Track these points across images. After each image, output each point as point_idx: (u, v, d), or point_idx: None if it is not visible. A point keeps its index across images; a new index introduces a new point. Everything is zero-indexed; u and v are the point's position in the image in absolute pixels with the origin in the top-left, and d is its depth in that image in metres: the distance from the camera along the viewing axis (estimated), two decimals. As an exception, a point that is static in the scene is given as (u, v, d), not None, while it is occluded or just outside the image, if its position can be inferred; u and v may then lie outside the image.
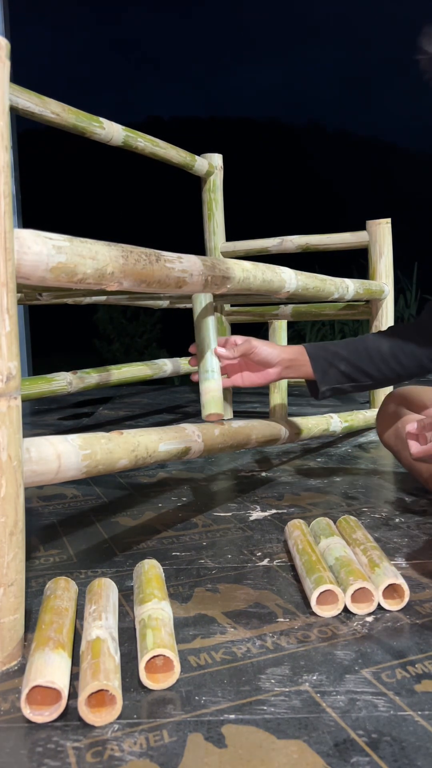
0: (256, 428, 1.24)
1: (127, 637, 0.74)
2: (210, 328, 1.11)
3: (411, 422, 0.97)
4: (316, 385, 1.15)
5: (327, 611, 0.79)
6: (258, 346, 1.10)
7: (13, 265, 0.67)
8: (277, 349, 1.12)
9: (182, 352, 2.65)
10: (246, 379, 1.15)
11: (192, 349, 1.13)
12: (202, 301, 1.13)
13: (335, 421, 1.63)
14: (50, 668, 0.61)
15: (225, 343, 1.11)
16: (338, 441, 1.84)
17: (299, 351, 1.14)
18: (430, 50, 1.02)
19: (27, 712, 0.60)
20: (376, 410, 1.92)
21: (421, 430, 0.90)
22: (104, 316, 6.85)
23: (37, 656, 0.63)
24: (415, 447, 0.91)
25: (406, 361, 1.16)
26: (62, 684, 0.60)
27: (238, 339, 1.11)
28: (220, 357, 1.10)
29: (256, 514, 1.19)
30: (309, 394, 1.22)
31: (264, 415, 2.15)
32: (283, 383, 1.76)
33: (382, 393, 1.95)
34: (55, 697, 0.61)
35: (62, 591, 0.79)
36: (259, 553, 1.00)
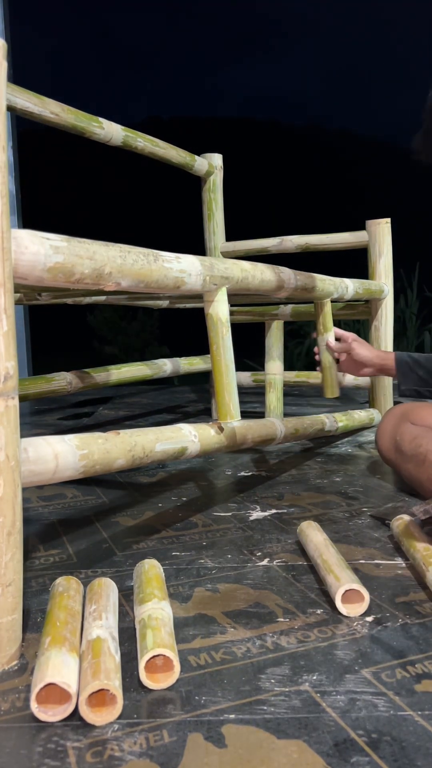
0: (252, 428, 1.24)
1: (127, 636, 0.74)
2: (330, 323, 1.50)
3: (407, 433, 1.23)
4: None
5: (351, 610, 0.78)
6: (356, 348, 1.43)
7: (10, 266, 0.67)
8: (372, 353, 1.43)
9: (182, 352, 2.64)
10: (345, 367, 1.48)
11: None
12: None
13: (330, 421, 1.63)
14: (67, 670, 0.61)
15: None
16: (338, 441, 1.84)
17: (390, 357, 1.42)
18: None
19: (34, 706, 0.59)
20: (372, 410, 1.92)
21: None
22: (101, 316, 6.85)
23: (54, 654, 0.63)
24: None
25: None
26: (75, 689, 0.60)
27: (349, 337, 1.44)
28: (329, 347, 1.47)
29: (256, 514, 1.19)
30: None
31: (263, 416, 2.15)
32: (279, 384, 1.78)
33: (382, 396, 1.95)
34: (63, 700, 0.61)
35: (74, 592, 0.78)
36: (259, 553, 0.99)
